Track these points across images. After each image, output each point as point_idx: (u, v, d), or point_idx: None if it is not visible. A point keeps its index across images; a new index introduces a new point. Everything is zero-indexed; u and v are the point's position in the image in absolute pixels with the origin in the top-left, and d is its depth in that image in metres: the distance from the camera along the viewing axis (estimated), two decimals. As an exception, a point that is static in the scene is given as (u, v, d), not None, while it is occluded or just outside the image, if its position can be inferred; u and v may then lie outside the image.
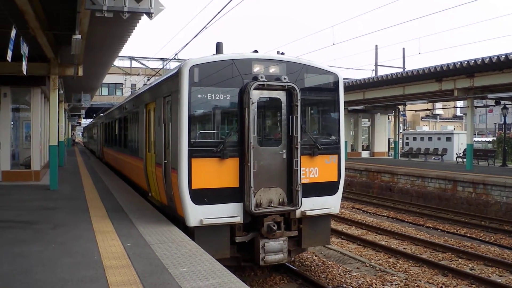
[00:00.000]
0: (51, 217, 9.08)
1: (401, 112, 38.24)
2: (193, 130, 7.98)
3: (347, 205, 18.50)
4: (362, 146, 33.20)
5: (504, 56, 16.22)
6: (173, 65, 30.59)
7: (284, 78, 8.38)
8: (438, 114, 71.80)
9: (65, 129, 30.11)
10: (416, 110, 45.53)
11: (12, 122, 16.04)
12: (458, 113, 70.97)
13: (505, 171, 20.19)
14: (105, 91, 54.03)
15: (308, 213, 8.55)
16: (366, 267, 9.88)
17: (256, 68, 8.32)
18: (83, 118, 58.82)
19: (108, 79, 35.97)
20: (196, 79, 7.90)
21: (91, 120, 49.39)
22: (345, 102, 13.96)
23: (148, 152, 10.86)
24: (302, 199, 8.35)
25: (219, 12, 10.07)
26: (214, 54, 8.74)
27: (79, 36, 10.11)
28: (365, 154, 32.57)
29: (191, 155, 7.81)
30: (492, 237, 12.83)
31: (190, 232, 7.84)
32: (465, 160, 23.82)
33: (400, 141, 38.89)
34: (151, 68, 32.71)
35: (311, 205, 8.63)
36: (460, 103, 44.36)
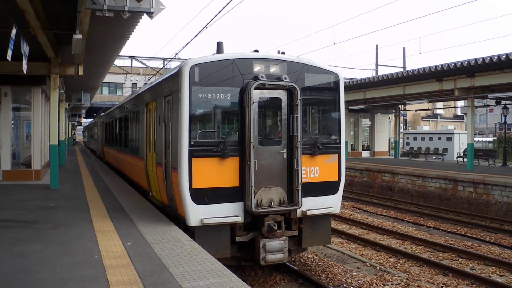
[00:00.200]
0: (52, 217, 9.08)
1: (402, 112, 38.17)
2: (194, 129, 7.98)
3: (348, 205, 18.50)
4: (363, 145, 33.18)
5: (504, 56, 16.21)
6: (173, 64, 30.59)
7: (285, 78, 8.38)
8: (438, 114, 71.81)
9: (66, 129, 30.12)
10: (416, 110, 45.51)
11: (12, 122, 16.04)
12: (459, 113, 70.98)
13: (505, 171, 20.18)
14: (105, 90, 54.02)
15: (308, 212, 8.55)
16: (367, 267, 9.88)
17: (257, 68, 8.32)
18: (84, 118, 58.83)
19: (108, 78, 35.96)
20: (196, 78, 7.90)
21: (92, 119, 49.41)
22: (346, 102, 13.97)
23: (149, 152, 10.86)
24: (303, 198, 8.35)
25: (219, 12, 10.07)
26: (214, 54, 8.74)
27: (79, 36, 10.11)
28: (365, 153, 32.55)
29: (191, 155, 7.81)
30: (493, 237, 12.82)
31: (190, 231, 7.84)
32: (465, 160, 23.82)
33: (401, 140, 38.87)
34: (151, 68, 32.70)
35: (311, 205, 8.62)
36: (460, 103, 44.42)
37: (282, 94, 8.46)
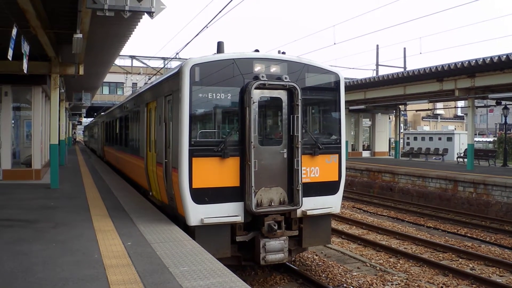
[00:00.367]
0: (52, 216, 9.09)
1: (402, 112, 38.19)
2: (194, 129, 7.98)
3: (348, 205, 18.49)
4: (363, 145, 33.18)
5: (505, 56, 16.20)
6: (174, 64, 30.57)
7: (285, 78, 8.37)
8: (439, 114, 71.76)
9: (66, 128, 30.11)
10: (417, 110, 45.49)
11: (13, 121, 16.05)
12: (459, 113, 70.93)
13: (506, 171, 20.18)
14: (106, 90, 54.03)
15: (308, 212, 8.55)
16: (367, 267, 9.88)
17: (257, 68, 8.32)
18: (84, 117, 58.87)
19: (109, 78, 35.96)
20: (197, 78, 7.90)
21: (92, 119, 49.42)
22: (346, 102, 13.97)
23: (149, 151, 10.86)
24: (303, 198, 8.35)
25: (220, 12, 10.06)
26: (215, 54, 8.73)
27: (80, 35, 10.11)
28: (366, 153, 32.55)
29: (192, 154, 7.81)
30: (493, 237, 12.82)
31: (190, 231, 7.84)
32: (465, 160, 23.82)
33: (401, 141, 38.85)
34: (152, 67, 32.69)
35: (311, 205, 8.62)
36: (461, 103, 44.36)
37: (282, 94, 8.46)
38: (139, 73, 34.91)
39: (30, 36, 10.07)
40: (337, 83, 9.15)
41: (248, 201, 7.95)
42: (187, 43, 14.70)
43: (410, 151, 32.96)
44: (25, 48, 9.65)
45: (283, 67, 8.52)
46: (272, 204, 8.26)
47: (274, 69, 8.44)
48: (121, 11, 8.02)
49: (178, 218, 8.58)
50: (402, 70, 31.65)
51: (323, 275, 9.17)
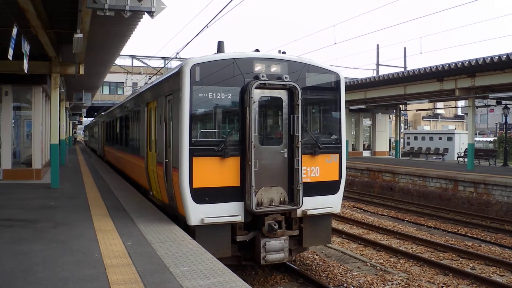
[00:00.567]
0: (52, 216, 9.09)
1: (403, 112, 38.13)
2: (194, 129, 7.98)
3: (348, 205, 18.49)
4: (363, 145, 33.18)
5: (505, 56, 16.20)
6: (174, 64, 30.58)
7: (286, 77, 8.37)
8: (439, 114, 71.75)
9: (66, 128, 30.12)
10: (417, 110, 45.49)
11: (13, 121, 16.05)
12: (459, 113, 70.91)
13: (506, 171, 20.17)
14: (106, 89, 54.05)
15: (309, 212, 8.55)
16: (367, 267, 9.88)
17: (258, 67, 8.32)
18: (84, 117, 58.91)
19: (109, 77, 35.98)
20: (197, 78, 7.89)
21: (92, 118, 49.43)
22: (347, 102, 13.97)
23: (149, 151, 10.86)
24: (303, 198, 8.35)
25: (220, 11, 10.06)
26: (215, 53, 8.73)
27: (80, 35, 10.11)
28: (366, 153, 32.54)
29: (192, 154, 7.81)
30: (493, 237, 12.82)
31: (191, 231, 7.84)
32: (466, 159, 23.80)
33: (401, 140, 38.84)
34: (152, 67, 32.70)
35: (312, 204, 8.62)
36: (461, 103, 44.39)
37: (283, 94, 8.46)
38: (139, 73, 34.93)
39: (30, 36, 10.07)
40: (338, 82, 9.14)
41: (249, 201, 7.95)
42: (188, 43, 14.70)
43: (411, 151, 32.96)
44: (26, 47, 9.66)
45: (283, 66, 8.52)
46: (273, 203, 8.26)
47: (274, 68, 8.44)
48: (122, 11, 8.02)
49: (178, 218, 8.58)
50: (402, 70, 31.66)
51: (324, 275, 9.17)
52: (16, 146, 16.46)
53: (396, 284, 8.68)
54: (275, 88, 8.38)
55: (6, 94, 15.24)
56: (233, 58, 8.18)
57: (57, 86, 13.93)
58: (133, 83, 45.80)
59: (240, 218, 8.03)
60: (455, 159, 27.89)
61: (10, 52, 8.79)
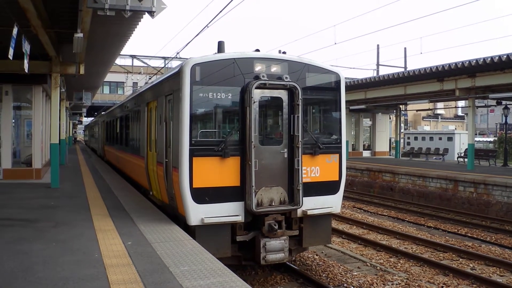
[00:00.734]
0: (52, 215, 9.09)
1: (403, 112, 38.13)
2: (195, 129, 7.98)
3: (348, 205, 18.49)
4: (364, 145, 33.17)
5: (505, 56, 16.19)
6: (174, 63, 30.60)
7: (286, 77, 8.37)
8: (439, 114, 71.73)
9: (66, 127, 30.13)
10: (417, 110, 45.43)
11: (13, 120, 16.05)
12: (460, 113, 70.89)
13: (506, 171, 20.17)
14: (106, 89, 54.09)
15: (309, 212, 8.55)
16: (367, 267, 9.88)
17: (258, 67, 8.32)
18: (85, 117, 58.93)
19: (109, 77, 36.00)
20: (197, 78, 7.90)
21: (93, 118, 49.44)
22: (347, 102, 13.96)
23: (150, 151, 10.86)
24: (303, 198, 8.35)
25: (221, 11, 10.07)
26: (215, 53, 8.73)
27: (81, 35, 10.11)
28: (366, 153, 32.54)
29: (192, 154, 7.81)
30: (493, 237, 12.82)
31: (191, 231, 7.85)
32: (466, 160, 23.80)
33: (402, 140, 38.84)
34: (152, 67, 32.72)
35: (312, 205, 8.62)
36: (461, 103, 44.30)
37: (283, 94, 8.46)
38: (139, 73, 34.94)
39: (30, 36, 10.07)
40: (338, 82, 9.14)
41: (249, 201, 7.95)
42: (188, 43, 14.71)
43: (411, 151, 32.95)
44: (26, 47, 9.66)
45: (283, 66, 8.52)
46: (273, 203, 8.26)
47: (274, 68, 8.44)
48: (122, 11, 8.02)
49: (178, 218, 8.58)
50: (402, 70, 31.66)
51: (324, 275, 9.17)
52: (16, 145, 16.46)
53: (396, 284, 8.68)
54: (275, 88, 8.38)
55: (6, 94, 15.24)
56: (233, 58, 8.18)
57: (58, 86, 13.93)
58: (133, 83, 45.80)
59: (240, 218, 8.03)
60: (455, 159, 27.89)
61: (11, 51, 8.79)
